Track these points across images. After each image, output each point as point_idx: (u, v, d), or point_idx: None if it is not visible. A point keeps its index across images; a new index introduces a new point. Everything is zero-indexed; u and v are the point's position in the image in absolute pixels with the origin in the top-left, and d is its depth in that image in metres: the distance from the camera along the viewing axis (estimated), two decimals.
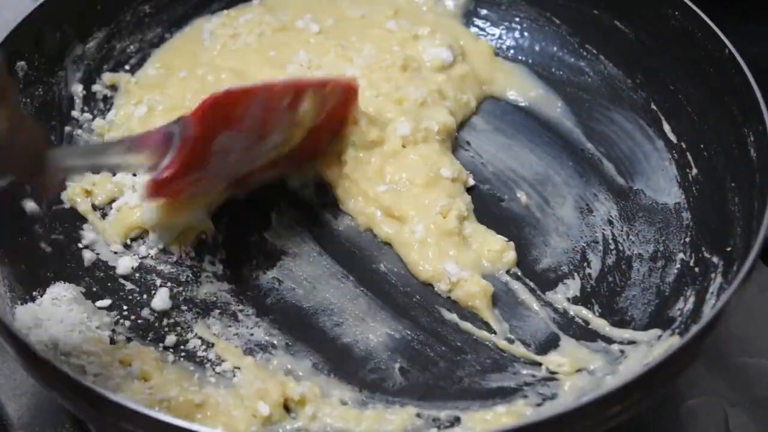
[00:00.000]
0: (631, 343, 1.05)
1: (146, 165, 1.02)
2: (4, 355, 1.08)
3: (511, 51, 1.37)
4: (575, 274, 1.13)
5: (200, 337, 1.06)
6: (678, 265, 1.11)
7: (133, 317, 1.08)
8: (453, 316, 1.09)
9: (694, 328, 0.91)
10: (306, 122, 1.13)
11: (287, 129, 1.12)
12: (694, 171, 1.18)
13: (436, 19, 1.39)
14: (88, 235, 1.16)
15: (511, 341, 1.07)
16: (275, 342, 1.07)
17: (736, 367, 1.11)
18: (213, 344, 1.06)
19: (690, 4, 1.20)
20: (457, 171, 1.20)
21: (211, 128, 1.04)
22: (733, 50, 1.13)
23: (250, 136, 1.10)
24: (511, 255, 1.14)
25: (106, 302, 1.09)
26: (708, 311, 1.01)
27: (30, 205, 1.14)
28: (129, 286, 1.12)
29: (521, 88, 1.34)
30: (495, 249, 1.14)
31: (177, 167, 1.02)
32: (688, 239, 1.14)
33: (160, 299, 1.10)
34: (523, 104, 1.32)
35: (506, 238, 1.15)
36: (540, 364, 1.04)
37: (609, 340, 1.06)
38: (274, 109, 1.10)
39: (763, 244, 0.96)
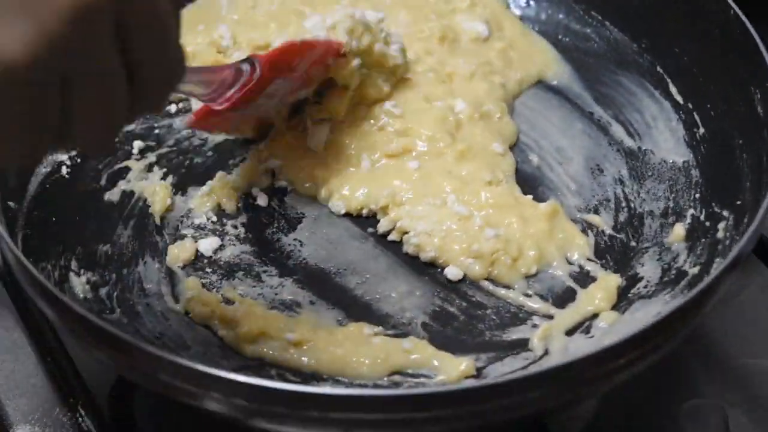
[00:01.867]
0: (642, 297, 1.08)
1: (206, 94, 1.05)
2: (3, 355, 1.10)
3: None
4: (588, 231, 1.16)
5: (226, 298, 1.09)
6: (689, 220, 1.14)
7: None
8: None
9: (705, 280, 0.94)
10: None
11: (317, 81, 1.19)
12: (702, 130, 1.21)
13: None
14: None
15: (528, 296, 1.10)
16: (299, 300, 1.09)
17: (736, 368, 1.12)
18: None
19: None
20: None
21: (275, 73, 1.10)
22: (738, 11, 1.16)
23: (293, 85, 1.16)
24: None
25: None
26: (718, 263, 1.04)
27: None
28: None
29: (546, 61, 1.34)
30: None
31: (234, 103, 1.07)
32: (698, 195, 1.16)
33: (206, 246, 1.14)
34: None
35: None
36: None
37: (622, 294, 1.09)
38: (317, 62, 1.16)
39: None
